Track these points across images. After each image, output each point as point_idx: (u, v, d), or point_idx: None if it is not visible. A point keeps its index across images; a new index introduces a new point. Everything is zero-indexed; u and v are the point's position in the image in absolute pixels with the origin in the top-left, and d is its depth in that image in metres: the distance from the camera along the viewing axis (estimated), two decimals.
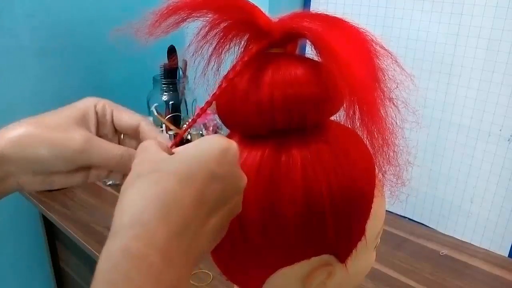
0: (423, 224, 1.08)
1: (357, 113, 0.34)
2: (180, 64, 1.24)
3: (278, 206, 0.35)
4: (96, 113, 0.38)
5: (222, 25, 0.37)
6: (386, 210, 0.42)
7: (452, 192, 1.02)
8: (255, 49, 0.36)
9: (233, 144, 0.32)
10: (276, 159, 0.36)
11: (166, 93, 1.26)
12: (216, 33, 0.38)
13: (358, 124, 0.35)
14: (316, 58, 0.37)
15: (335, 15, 0.36)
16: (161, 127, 1.22)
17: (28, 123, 0.35)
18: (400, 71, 0.36)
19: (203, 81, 0.40)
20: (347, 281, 0.41)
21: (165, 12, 0.36)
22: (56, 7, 1.23)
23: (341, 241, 0.37)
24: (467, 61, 0.93)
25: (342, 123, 0.38)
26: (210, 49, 0.39)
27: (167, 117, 1.23)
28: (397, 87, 0.36)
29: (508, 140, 0.91)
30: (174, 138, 0.40)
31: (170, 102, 1.26)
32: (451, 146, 1.00)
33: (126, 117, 0.40)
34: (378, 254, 0.45)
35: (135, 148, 0.34)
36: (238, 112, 0.36)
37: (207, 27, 0.37)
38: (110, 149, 0.36)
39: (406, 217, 1.10)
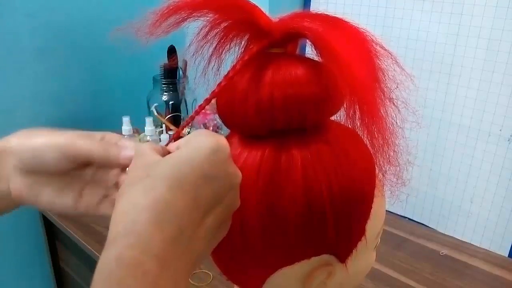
0: (423, 224, 1.08)
1: (357, 113, 0.34)
2: (180, 64, 1.24)
3: (278, 206, 0.35)
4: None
5: (223, 25, 0.37)
6: (386, 210, 0.42)
7: (452, 192, 1.02)
8: (256, 48, 0.36)
9: (223, 142, 0.31)
10: (276, 159, 0.36)
11: (166, 93, 1.26)
12: (217, 33, 0.37)
13: (358, 124, 0.35)
14: (316, 58, 0.37)
15: (335, 15, 0.36)
16: (161, 127, 1.22)
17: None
18: (400, 71, 0.36)
19: (203, 81, 0.40)
20: (347, 281, 0.41)
21: (165, 12, 0.35)
22: (56, 7, 1.23)
23: (341, 241, 0.37)
24: (467, 61, 0.93)
25: (342, 123, 0.38)
26: (211, 49, 0.39)
27: (167, 117, 1.24)
28: (397, 87, 0.36)
29: (508, 140, 0.91)
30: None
31: (170, 102, 1.26)
32: (451, 146, 1.00)
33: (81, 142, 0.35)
34: (378, 254, 0.45)
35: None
36: (238, 112, 0.36)
37: (207, 27, 0.37)
38: (93, 134, 0.36)
39: (406, 217, 1.10)
